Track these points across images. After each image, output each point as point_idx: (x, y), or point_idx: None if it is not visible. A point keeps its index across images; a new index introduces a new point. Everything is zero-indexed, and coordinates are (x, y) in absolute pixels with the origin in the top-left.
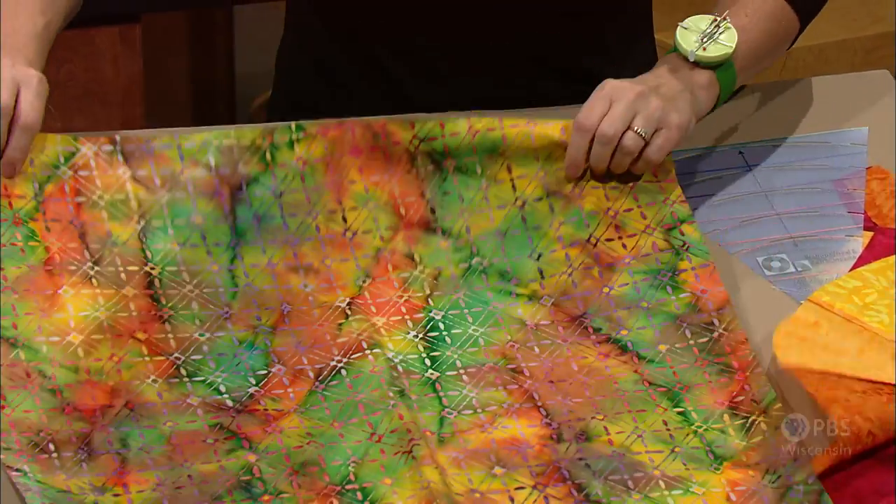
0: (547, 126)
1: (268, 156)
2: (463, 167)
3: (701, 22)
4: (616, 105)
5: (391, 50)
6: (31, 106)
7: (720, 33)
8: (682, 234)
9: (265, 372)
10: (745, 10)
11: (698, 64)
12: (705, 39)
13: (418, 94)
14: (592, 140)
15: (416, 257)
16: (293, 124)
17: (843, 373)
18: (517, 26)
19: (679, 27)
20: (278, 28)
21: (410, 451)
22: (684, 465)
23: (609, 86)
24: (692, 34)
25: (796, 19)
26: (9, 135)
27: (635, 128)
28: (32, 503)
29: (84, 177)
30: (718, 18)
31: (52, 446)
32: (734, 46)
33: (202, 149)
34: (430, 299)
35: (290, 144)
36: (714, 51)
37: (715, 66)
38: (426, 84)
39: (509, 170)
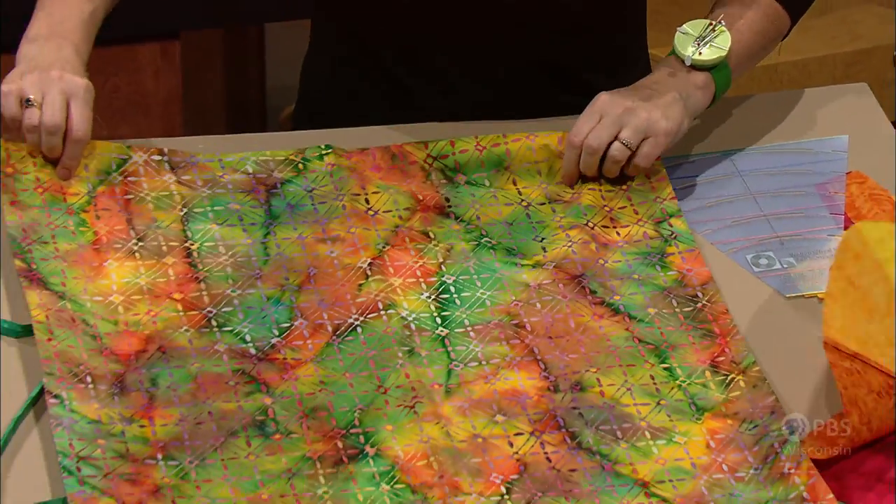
0: (546, 137)
1: (300, 165)
2: (473, 181)
3: (698, 26)
4: (604, 119)
5: (399, 58)
6: (81, 117)
7: (715, 36)
8: (671, 225)
9: (288, 325)
10: (740, 11)
11: (695, 66)
12: (701, 43)
13: (426, 101)
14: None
15: (431, 234)
16: (322, 145)
17: (869, 359)
18: (522, 39)
19: (678, 31)
20: (306, 45)
21: (413, 407)
22: (668, 416)
23: (600, 100)
24: (689, 38)
25: (787, 17)
26: (63, 146)
27: (622, 139)
28: (60, 442)
29: (133, 182)
30: (714, 22)
31: (89, 378)
32: (728, 49)
33: (241, 161)
34: (442, 266)
35: (321, 157)
36: (709, 54)
37: (710, 67)
38: (434, 92)
39: (514, 182)
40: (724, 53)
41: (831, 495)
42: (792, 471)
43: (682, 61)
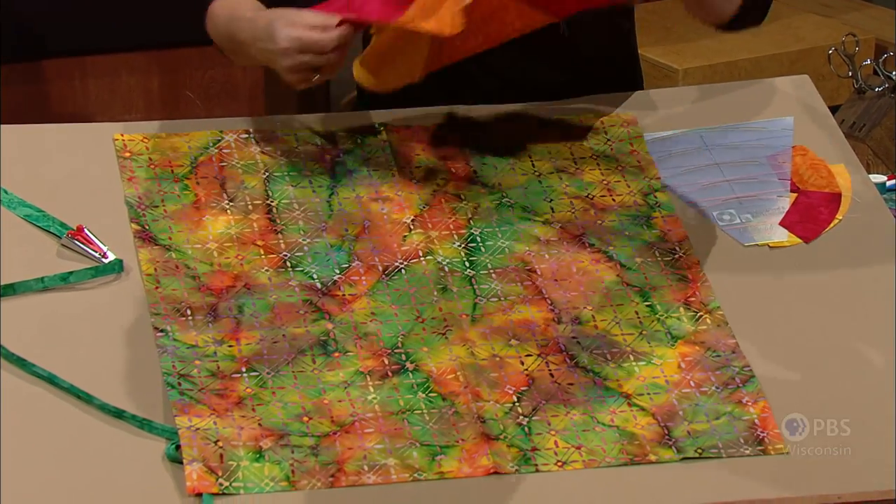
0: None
1: (359, 140)
2: (497, 151)
3: None
4: None
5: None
6: None
7: None
8: (656, 197)
9: (347, 265)
10: None
11: None
12: None
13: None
14: None
15: (462, 196)
16: (377, 124)
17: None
18: (553, 62)
19: None
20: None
21: (444, 334)
22: (649, 343)
23: None
24: None
25: None
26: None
27: None
28: (165, 364)
29: (226, 153)
30: None
31: (189, 311)
32: None
33: (312, 136)
34: (471, 221)
35: (375, 134)
36: None
37: None
38: (468, 93)
39: (530, 157)
40: None
41: (778, 430)
42: (748, 402)
43: None
